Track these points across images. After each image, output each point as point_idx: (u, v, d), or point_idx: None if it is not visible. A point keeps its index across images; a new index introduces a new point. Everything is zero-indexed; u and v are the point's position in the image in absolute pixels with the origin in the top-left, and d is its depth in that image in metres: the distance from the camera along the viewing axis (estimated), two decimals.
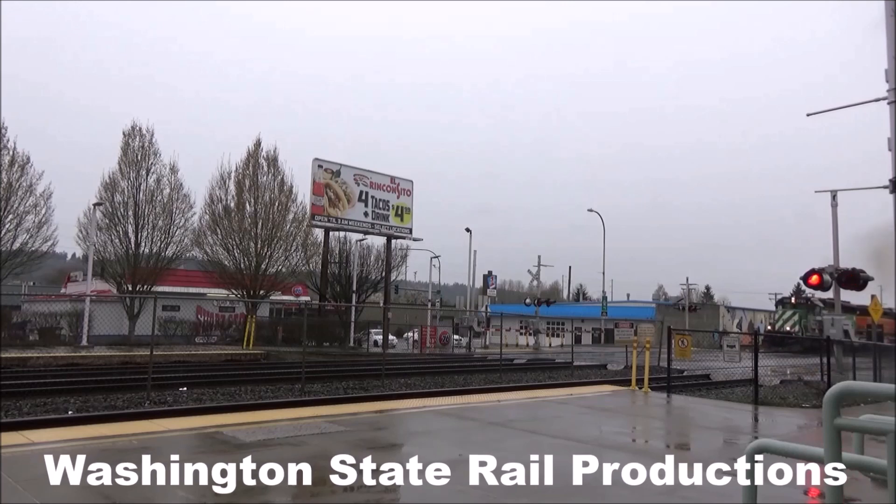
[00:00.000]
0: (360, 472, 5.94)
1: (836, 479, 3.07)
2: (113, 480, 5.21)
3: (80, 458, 6.05)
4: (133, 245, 33.04)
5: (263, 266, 35.80)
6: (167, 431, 7.36)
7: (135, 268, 32.64)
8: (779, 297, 61.83)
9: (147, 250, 33.33)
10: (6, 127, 29.17)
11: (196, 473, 5.73)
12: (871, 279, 18.29)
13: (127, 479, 5.28)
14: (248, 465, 5.94)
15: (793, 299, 48.55)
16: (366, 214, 35.55)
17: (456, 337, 39.64)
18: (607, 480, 5.84)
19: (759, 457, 3.64)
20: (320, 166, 33.85)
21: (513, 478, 5.81)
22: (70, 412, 10.28)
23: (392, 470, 6.16)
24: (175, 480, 5.36)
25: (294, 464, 6.22)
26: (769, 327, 51.64)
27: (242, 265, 35.47)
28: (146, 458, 6.10)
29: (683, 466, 6.75)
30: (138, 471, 5.59)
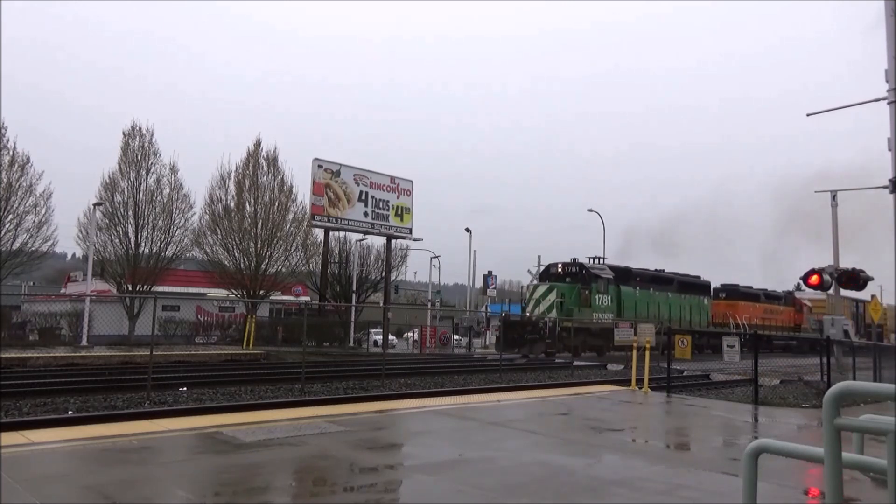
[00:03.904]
0: (359, 472, 5.95)
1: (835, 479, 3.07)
2: (113, 480, 5.22)
3: (80, 458, 6.06)
4: (133, 245, 33.02)
5: (263, 266, 35.79)
6: (167, 431, 7.36)
7: (135, 268, 32.63)
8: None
9: (147, 250, 33.32)
10: (6, 127, 29.19)
11: (196, 473, 5.74)
12: (871, 279, 18.32)
13: (127, 478, 5.29)
14: (248, 464, 5.94)
15: (559, 268, 31.28)
16: (366, 214, 35.54)
17: (456, 337, 39.64)
18: (607, 480, 5.85)
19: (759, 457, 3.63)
20: (320, 166, 33.83)
21: (513, 477, 5.81)
22: (70, 412, 10.27)
23: (392, 469, 6.16)
24: (175, 480, 5.36)
25: (294, 463, 6.23)
26: (503, 314, 33.50)
27: (242, 265, 35.45)
28: (146, 458, 6.10)
29: (683, 466, 6.76)
30: (138, 470, 5.60)
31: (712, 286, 41.61)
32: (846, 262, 19.47)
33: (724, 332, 36.32)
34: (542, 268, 33.90)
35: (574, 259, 31.64)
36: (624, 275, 33.16)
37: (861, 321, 44.68)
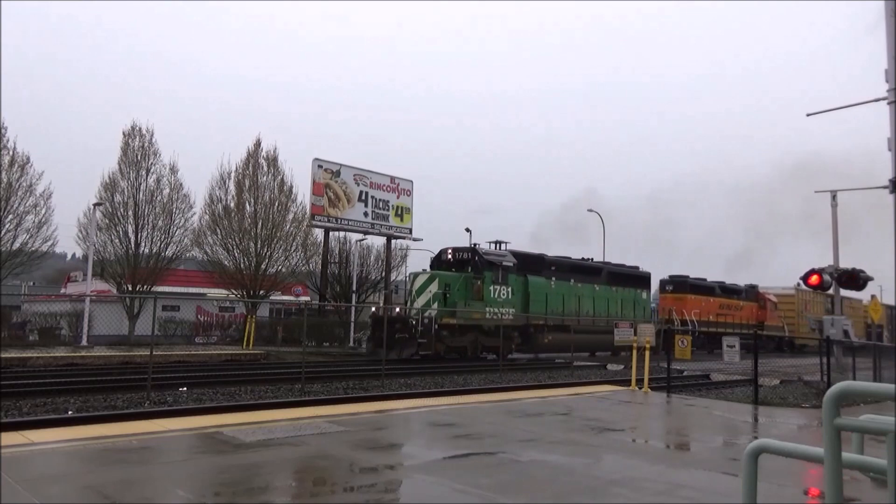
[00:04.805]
0: (359, 472, 5.94)
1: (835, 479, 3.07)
2: (113, 480, 5.22)
3: (80, 458, 6.06)
4: (133, 245, 33.02)
5: (263, 266, 35.80)
6: (167, 431, 7.36)
7: (135, 268, 32.63)
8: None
9: (147, 250, 33.31)
10: (6, 127, 29.16)
11: (196, 473, 5.74)
12: (871, 279, 18.34)
13: (127, 478, 5.29)
14: (248, 464, 5.94)
15: (450, 253, 26.06)
16: (366, 214, 35.56)
17: None
18: (607, 480, 5.85)
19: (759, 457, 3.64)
20: (320, 166, 33.84)
21: (512, 477, 5.82)
22: (70, 412, 10.26)
23: (392, 469, 6.16)
24: (175, 480, 5.36)
25: (294, 463, 6.23)
26: (373, 309, 27.37)
27: (242, 265, 35.47)
28: (146, 458, 6.11)
29: (683, 466, 6.76)
30: (138, 470, 5.60)
31: (660, 279, 38.03)
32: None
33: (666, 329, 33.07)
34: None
35: (475, 244, 26.92)
36: (534, 263, 28.25)
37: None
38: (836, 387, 3.17)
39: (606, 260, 33.91)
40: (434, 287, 23.93)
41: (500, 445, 7.25)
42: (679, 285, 37.34)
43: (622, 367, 22.37)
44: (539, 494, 5.26)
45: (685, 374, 20.28)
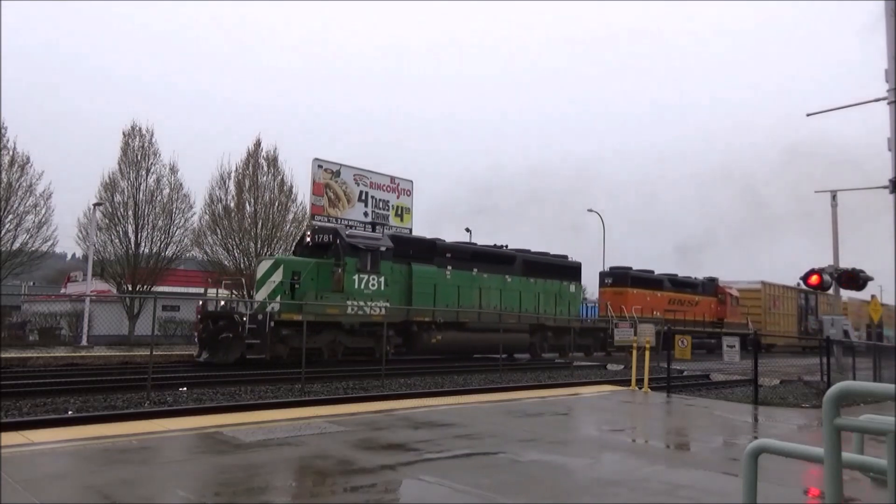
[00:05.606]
0: (359, 472, 5.94)
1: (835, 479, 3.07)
2: (113, 480, 5.22)
3: (80, 458, 6.07)
4: (133, 245, 33.06)
5: None
6: (167, 431, 7.37)
7: (135, 268, 32.65)
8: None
9: (147, 250, 33.36)
10: (6, 127, 29.18)
11: (196, 473, 5.74)
12: (871, 279, 18.36)
13: (127, 478, 5.29)
14: (248, 464, 5.95)
15: (308, 236, 22.11)
16: (366, 214, 35.57)
17: None
18: (607, 480, 5.85)
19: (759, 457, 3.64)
20: (320, 166, 33.86)
21: (512, 477, 5.82)
22: (70, 412, 10.26)
23: (392, 469, 6.16)
24: (175, 480, 5.36)
25: (294, 463, 6.23)
26: (200, 303, 23.35)
27: (242, 265, 35.49)
28: (146, 458, 6.11)
29: (683, 466, 6.76)
30: (138, 470, 5.60)
31: (599, 271, 35.00)
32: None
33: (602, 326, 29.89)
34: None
35: (347, 225, 22.49)
36: (423, 249, 23.72)
37: (815, 315, 40.55)
38: (836, 387, 3.18)
39: (525, 247, 28.76)
40: (278, 276, 19.14)
41: (500, 445, 7.25)
42: (619, 278, 33.57)
43: (622, 367, 22.37)
44: (539, 495, 5.27)
45: (685, 374, 20.29)
